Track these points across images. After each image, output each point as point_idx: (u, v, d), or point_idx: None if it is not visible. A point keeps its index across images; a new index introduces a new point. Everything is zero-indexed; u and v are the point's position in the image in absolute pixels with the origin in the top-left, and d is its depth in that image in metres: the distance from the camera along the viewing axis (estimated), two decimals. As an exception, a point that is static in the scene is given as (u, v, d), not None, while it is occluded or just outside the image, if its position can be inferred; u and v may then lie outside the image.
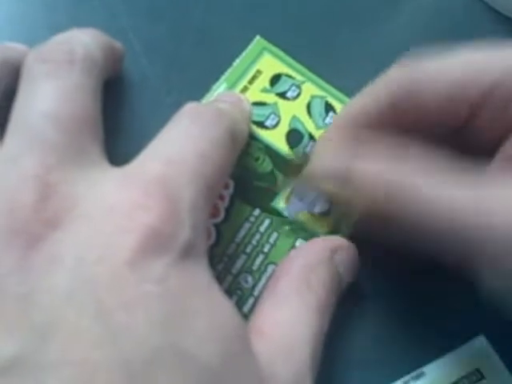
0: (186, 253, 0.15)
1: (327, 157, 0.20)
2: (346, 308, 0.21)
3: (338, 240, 0.21)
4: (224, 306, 0.16)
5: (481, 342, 0.22)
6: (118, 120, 0.23)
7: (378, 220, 0.18)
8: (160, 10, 0.25)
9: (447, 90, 0.18)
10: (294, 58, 0.25)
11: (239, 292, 0.21)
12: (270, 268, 0.21)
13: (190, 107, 0.18)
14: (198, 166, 0.16)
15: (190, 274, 0.15)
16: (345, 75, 0.24)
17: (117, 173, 0.17)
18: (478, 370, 0.21)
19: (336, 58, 0.24)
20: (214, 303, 0.15)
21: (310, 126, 0.24)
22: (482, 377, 0.21)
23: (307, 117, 0.24)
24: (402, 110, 0.19)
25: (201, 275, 0.15)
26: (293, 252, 0.21)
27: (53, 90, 0.17)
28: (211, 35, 0.25)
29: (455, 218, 0.16)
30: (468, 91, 0.18)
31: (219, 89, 0.24)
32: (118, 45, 0.22)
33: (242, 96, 0.23)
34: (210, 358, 0.14)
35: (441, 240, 0.17)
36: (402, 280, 0.22)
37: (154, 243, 0.14)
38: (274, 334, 0.17)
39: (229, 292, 0.21)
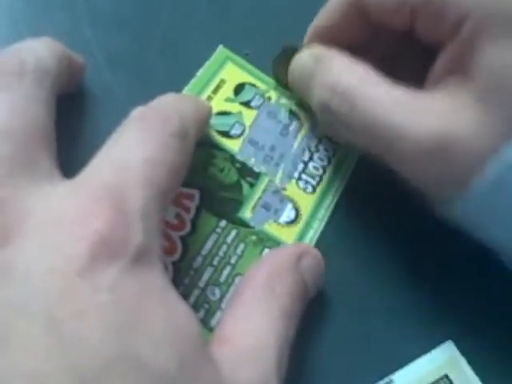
0: (139, 258, 0.15)
1: (305, 52, 0.23)
2: (313, 316, 0.21)
3: (303, 246, 0.21)
4: (180, 310, 0.15)
5: (449, 347, 0.22)
6: (82, 132, 0.22)
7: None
8: (123, 21, 0.25)
9: None
10: (257, 67, 0.25)
11: (206, 305, 0.21)
12: (238, 279, 0.21)
13: (136, 113, 0.18)
14: (145, 171, 0.16)
15: (143, 279, 0.15)
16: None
17: (67, 184, 0.16)
18: (446, 376, 0.21)
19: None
20: (170, 308, 0.15)
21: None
22: (451, 383, 0.21)
23: (272, 126, 0.24)
24: (358, 15, 0.21)
25: (155, 280, 0.15)
26: (259, 260, 0.20)
27: (2, 103, 0.17)
28: (174, 45, 0.25)
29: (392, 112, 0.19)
30: None
31: (183, 99, 0.23)
32: (76, 56, 0.22)
33: (198, 98, 0.23)
34: (165, 364, 0.14)
35: (373, 136, 0.19)
36: (368, 287, 0.22)
37: (104, 250, 0.14)
38: (239, 342, 0.17)
39: (196, 306, 0.20)
